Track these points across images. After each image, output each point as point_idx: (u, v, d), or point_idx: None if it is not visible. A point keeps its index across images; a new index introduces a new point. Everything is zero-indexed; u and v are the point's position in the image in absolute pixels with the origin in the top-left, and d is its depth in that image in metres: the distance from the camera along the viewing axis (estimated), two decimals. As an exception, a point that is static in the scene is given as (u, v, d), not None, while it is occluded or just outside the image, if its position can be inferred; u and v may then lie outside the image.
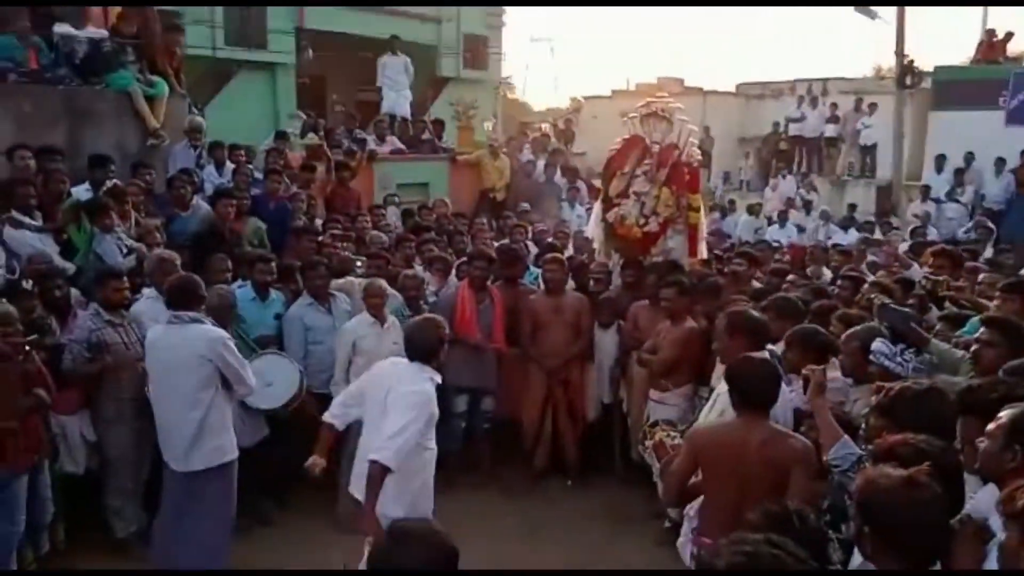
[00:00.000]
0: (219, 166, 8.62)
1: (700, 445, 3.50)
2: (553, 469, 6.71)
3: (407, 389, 3.96)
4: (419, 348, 4.13)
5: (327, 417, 4.34)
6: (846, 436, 3.18)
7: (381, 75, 12.94)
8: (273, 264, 6.15)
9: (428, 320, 4.31)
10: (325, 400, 5.75)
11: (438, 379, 4.16)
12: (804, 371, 3.56)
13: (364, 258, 6.70)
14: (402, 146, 12.25)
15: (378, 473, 3.75)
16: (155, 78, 8.32)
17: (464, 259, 7.04)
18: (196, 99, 9.93)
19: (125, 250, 6.02)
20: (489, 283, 6.61)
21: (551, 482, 6.63)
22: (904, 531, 2.16)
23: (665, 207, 6.60)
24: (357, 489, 4.05)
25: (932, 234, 11.83)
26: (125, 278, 5.36)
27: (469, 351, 6.29)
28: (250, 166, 8.66)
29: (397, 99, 12.98)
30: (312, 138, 10.68)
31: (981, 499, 2.51)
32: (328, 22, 14.16)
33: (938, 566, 2.28)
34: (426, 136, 12.90)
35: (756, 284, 6.75)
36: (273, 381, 5.46)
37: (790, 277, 6.58)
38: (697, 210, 6.78)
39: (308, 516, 5.81)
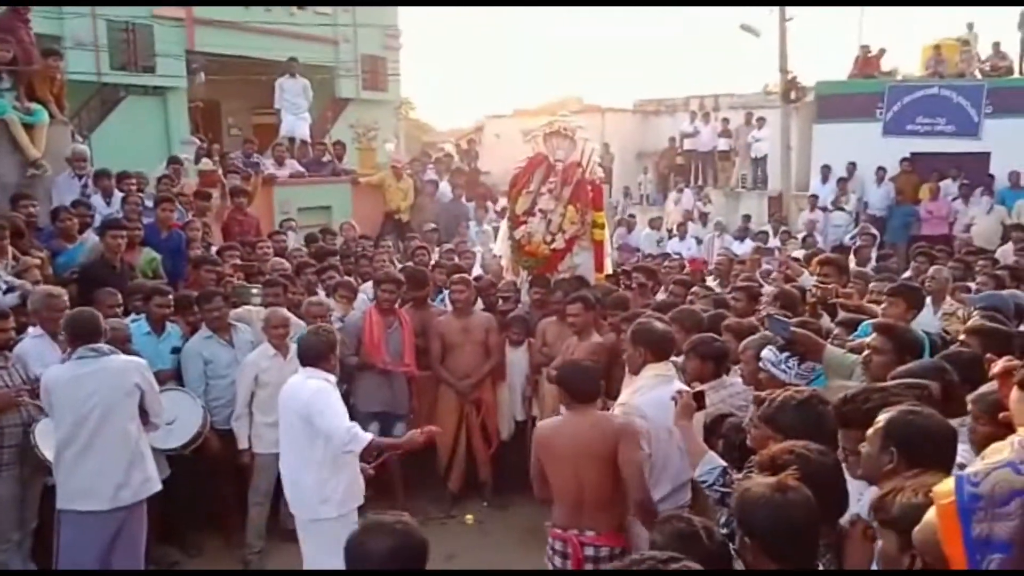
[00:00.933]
0: (106, 195, 8.23)
1: (540, 441, 3.87)
2: (468, 491, 6.64)
3: (311, 391, 4.23)
4: (309, 353, 4.35)
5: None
6: (711, 452, 3.33)
7: (279, 98, 12.69)
8: (169, 296, 5.89)
9: (317, 328, 4.62)
10: (227, 437, 5.58)
11: (332, 379, 4.39)
12: (673, 395, 3.65)
13: (260, 286, 6.49)
14: (302, 169, 12.02)
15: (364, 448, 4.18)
16: (34, 105, 7.91)
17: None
18: (82, 126, 9.52)
19: (4, 287, 5.66)
20: (397, 306, 6.52)
21: (467, 504, 6.55)
22: (777, 535, 2.19)
23: (571, 224, 6.69)
24: (297, 511, 4.41)
25: (819, 241, 12.39)
26: (11, 317, 5.01)
27: (379, 376, 6.17)
28: (140, 194, 8.30)
29: (296, 122, 12.76)
30: (206, 163, 10.35)
31: (868, 500, 2.57)
32: (220, 45, 13.82)
33: (820, 566, 2.32)
34: (327, 159, 12.70)
35: (662, 296, 6.87)
36: (175, 419, 5.22)
37: (694, 289, 6.70)
38: (601, 226, 6.88)
39: (216, 562, 5.57)
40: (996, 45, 15.80)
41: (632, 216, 15.55)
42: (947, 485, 1.13)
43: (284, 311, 5.80)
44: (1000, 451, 1.12)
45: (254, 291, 6.36)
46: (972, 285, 6.59)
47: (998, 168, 13.98)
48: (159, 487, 4.66)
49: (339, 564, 2.33)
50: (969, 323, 4.52)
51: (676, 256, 11.33)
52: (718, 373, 4.29)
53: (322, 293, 6.97)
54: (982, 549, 1.08)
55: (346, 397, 6.09)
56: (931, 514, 1.17)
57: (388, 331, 6.26)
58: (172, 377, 5.61)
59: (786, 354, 3.89)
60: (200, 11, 13.52)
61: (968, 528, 1.10)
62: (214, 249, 7.88)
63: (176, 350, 5.76)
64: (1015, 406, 2.57)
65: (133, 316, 5.79)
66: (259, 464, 5.56)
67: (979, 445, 2.77)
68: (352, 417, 5.83)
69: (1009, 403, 2.48)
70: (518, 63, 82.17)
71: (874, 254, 10.04)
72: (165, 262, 7.23)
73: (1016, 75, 15.43)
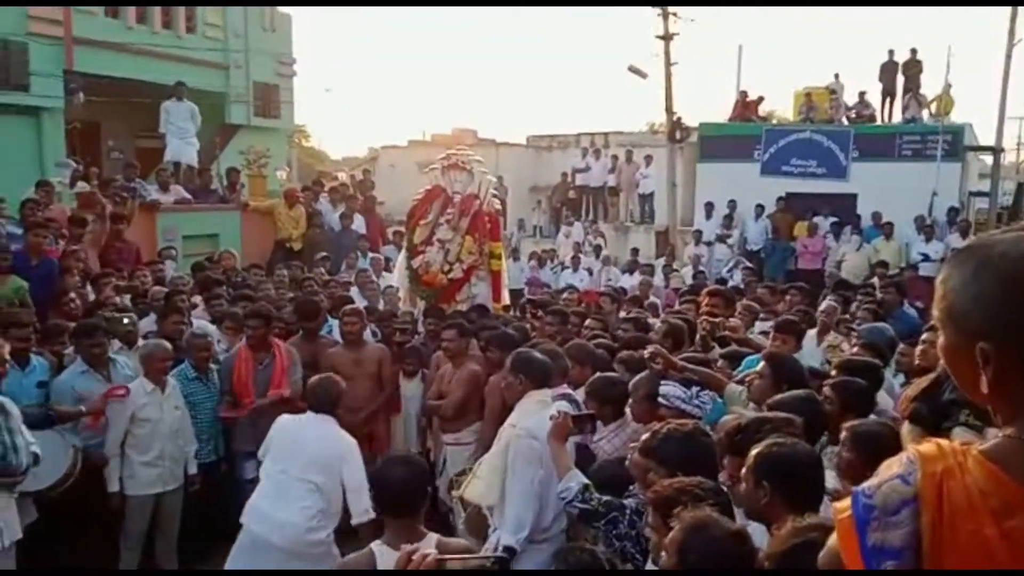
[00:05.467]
0: (-33, 220, 7.64)
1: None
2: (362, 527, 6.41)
3: (350, 445, 4.40)
4: (324, 399, 4.45)
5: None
6: (575, 470, 3.48)
7: (164, 121, 12.19)
8: (29, 328, 5.43)
9: (328, 376, 4.71)
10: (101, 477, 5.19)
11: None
12: (553, 413, 3.72)
13: (132, 315, 6.12)
14: (188, 195, 11.54)
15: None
16: None
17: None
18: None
19: None
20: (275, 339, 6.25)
21: (361, 541, 6.30)
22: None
23: (468, 254, 6.70)
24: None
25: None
26: None
27: (252, 414, 5.82)
28: (2, 220, 7.73)
29: (182, 146, 12.27)
30: (83, 187, 9.78)
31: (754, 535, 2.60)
32: (102, 66, 13.19)
33: None
34: (215, 185, 12.26)
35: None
36: (41, 459, 4.80)
37: (588, 322, 6.73)
38: (499, 257, 6.92)
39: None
40: (862, 94, 16.94)
41: (547, 251, 15.63)
42: (845, 502, 1.22)
43: (166, 344, 5.48)
44: (891, 467, 1.22)
45: (125, 320, 5.98)
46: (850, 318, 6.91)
47: (863, 208, 14.91)
48: (18, 535, 4.29)
49: None
50: (843, 357, 4.75)
51: (571, 288, 11.45)
52: (617, 415, 4.27)
53: (208, 322, 6.65)
54: (878, 556, 1.17)
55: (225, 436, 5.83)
56: (832, 539, 1.25)
57: (259, 368, 5.90)
58: (39, 413, 5.16)
59: (696, 388, 3.93)
60: (80, 30, 12.88)
61: (864, 537, 1.18)
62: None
63: (43, 384, 5.32)
64: (905, 437, 2.71)
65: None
66: (132, 506, 5.19)
67: (843, 471, 2.95)
68: (229, 457, 5.54)
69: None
70: (412, 95, 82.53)
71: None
72: (35, 290, 6.74)
73: (879, 123, 16.56)
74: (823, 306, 6.93)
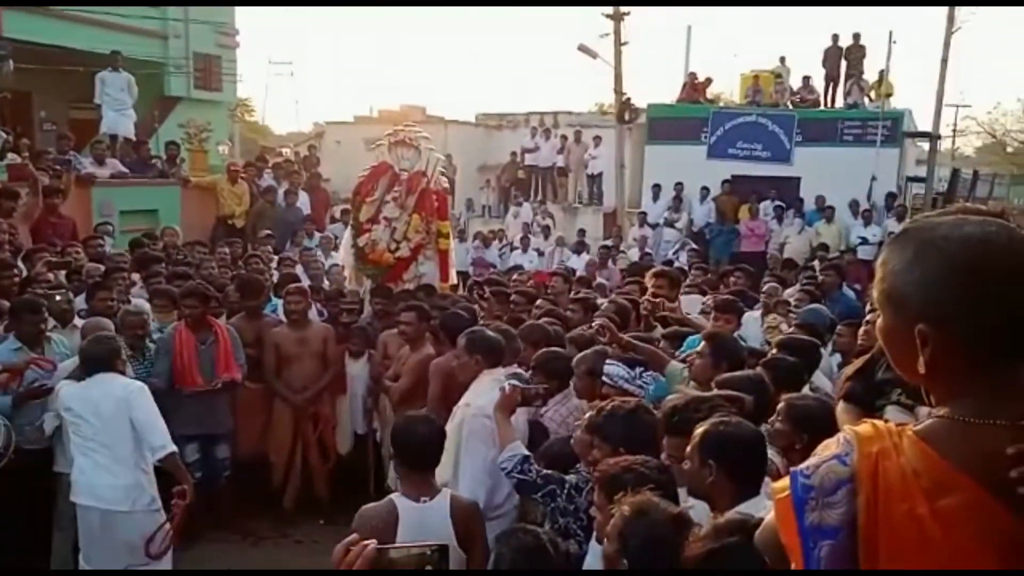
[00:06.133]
0: None
1: None
2: (304, 509, 6.36)
3: (120, 395, 4.42)
4: (94, 362, 4.48)
5: None
6: (518, 442, 3.57)
7: (100, 92, 11.77)
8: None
9: (97, 336, 4.72)
10: (42, 456, 5.03)
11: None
12: (502, 385, 3.79)
13: (64, 290, 5.94)
14: (125, 169, 11.20)
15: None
16: None
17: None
18: None
19: None
20: (224, 318, 6.14)
21: (302, 523, 6.27)
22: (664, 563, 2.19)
23: (415, 233, 6.64)
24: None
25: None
26: None
27: (194, 396, 5.70)
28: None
29: (119, 118, 11.88)
30: (13, 159, 9.41)
31: (697, 512, 2.64)
32: (32, 32, 12.66)
33: None
34: (154, 159, 11.91)
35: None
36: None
37: (538, 302, 6.73)
38: (446, 236, 6.87)
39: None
40: (806, 79, 17.21)
41: (493, 232, 15.56)
42: (784, 481, 1.24)
43: (106, 321, 5.33)
44: (828, 447, 1.25)
45: (57, 298, 5.80)
46: (790, 300, 7.04)
47: (806, 192, 15.21)
48: None
49: None
50: (781, 337, 4.85)
51: (520, 268, 11.47)
52: (562, 388, 4.33)
53: (145, 301, 6.49)
54: (815, 536, 1.19)
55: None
56: (770, 515, 1.27)
57: (201, 347, 5.79)
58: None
59: (640, 368, 3.97)
60: (9, -6, 12.36)
61: (802, 517, 1.20)
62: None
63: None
64: (840, 415, 2.77)
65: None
66: (65, 484, 5.04)
67: (776, 442, 3.05)
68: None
69: None
70: (360, 69, 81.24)
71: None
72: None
73: (822, 107, 16.87)
74: (765, 287, 7.06)
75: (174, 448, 4.54)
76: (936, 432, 1.20)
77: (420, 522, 2.94)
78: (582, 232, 14.96)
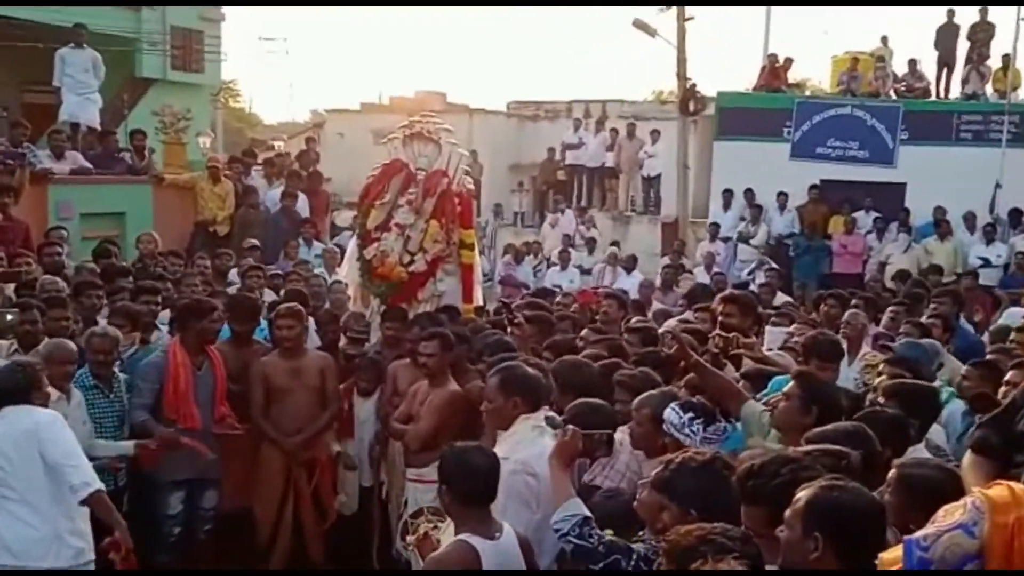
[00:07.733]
0: None
1: None
2: (295, 571, 6.39)
3: (27, 428, 4.40)
4: (5, 393, 4.46)
5: None
6: (577, 499, 3.49)
7: (60, 73, 12.05)
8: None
9: (13, 363, 4.82)
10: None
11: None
12: (556, 432, 3.78)
13: (16, 310, 6.08)
14: (88, 164, 11.43)
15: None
16: None
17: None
18: None
19: None
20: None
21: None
22: None
23: (433, 242, 6.65)
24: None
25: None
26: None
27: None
28: None
29: (81, 104, 12.16)
30: (-41, 151, 9.67)
31: None
32: (-19, 0, 13.05)
33: None
34: (122, 153, 12.14)
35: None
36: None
37: (584, 332, 6.67)
38: (471, 247, 6.88)
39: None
40: (912, 63, 17.07)
41: (527, 244, 15.57)
42: (895, 551, 1.20)
43: (71, 345, 5.44)
44: (952, 513, 1.20)
45: (9, 317, 5.94)
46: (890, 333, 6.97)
47: (913, 201, 15.07)
48: None
49: None
50: (882, 382, 4.78)
51: (557, 288, 11.46)
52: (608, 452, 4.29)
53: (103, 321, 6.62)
54: None
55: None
56: None
57: (198, 374, 5.92)
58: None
59: (690, 415, 3.93)
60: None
61: None
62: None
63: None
64: (967, 471, 2.72)
65: None
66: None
67: (890, 522, 2.94)
68: (151, 488, 5.54)
69: None
70: (368, 48, 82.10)
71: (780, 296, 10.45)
72: None
73: (933, 98, 16.73)
74: (847, 315, 6.93)
75: (99, 486, 4.47)
76: None
77: (499, 560, 3.28)
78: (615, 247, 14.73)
